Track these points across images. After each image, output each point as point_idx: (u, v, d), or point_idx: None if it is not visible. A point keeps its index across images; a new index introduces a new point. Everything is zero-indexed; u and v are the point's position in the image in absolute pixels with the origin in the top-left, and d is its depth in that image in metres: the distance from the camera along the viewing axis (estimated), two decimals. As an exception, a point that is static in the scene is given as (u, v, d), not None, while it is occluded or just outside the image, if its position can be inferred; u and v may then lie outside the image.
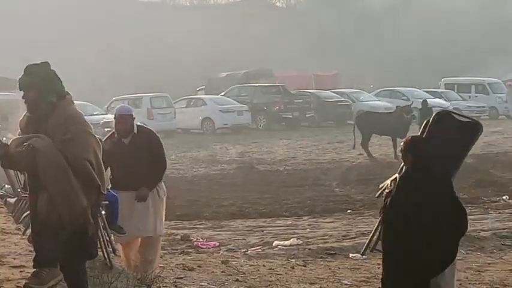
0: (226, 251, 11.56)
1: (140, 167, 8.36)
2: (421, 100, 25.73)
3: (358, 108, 32.05)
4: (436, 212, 6.22)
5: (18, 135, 6.15)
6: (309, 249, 11.15)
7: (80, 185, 5.93)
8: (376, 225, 7.30)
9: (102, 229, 8.48)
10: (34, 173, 5.95)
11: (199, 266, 9.88)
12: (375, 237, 7.32)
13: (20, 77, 6.06)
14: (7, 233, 8.66)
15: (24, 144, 5.90)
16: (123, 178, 8.45)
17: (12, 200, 10.70)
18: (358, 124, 24.28)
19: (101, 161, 6.14)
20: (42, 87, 5.99)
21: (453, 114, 7.06)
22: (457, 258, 6.71)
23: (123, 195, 8.51)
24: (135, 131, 8.62)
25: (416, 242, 6.25)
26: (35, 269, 5.99)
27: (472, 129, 6.99)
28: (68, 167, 5.88)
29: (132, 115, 8.68)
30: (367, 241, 7.62)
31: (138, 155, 8.41)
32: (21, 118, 6.20)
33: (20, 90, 6.07)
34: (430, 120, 7.00)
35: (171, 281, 8.54)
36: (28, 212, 9.04)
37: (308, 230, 12.99)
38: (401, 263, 6.34)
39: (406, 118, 23.76)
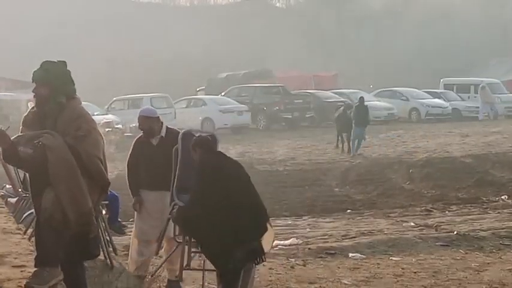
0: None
1: (168, 168, 8.39)
2: (359, 97, 28.22)
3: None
4: (238, 191, 7.02)
5: (21, 132, 6.12)
6: (309, 248, 11.17)
7: (87, 184, 5.96)
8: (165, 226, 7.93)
9: (102, 229, 8.51)
10: (40, 171, 5.93)
11: (199, 266, 9.88)
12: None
13: (34, 70, 6.09)
14: (8, 232, 8.66)
15: (35, 142, 5.89)
16: (151, 178, 8.52)
17: (13, 200, 10.73)
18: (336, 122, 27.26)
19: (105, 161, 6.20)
20: (55, 86, 6.02)
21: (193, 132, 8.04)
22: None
23: (151, 195, 8.58)
24: (163, 133, 8.72)
25: (225, 226, 6.90)
26: (36, 268, 6.00)
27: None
28: (77, 166, 5.90)
29: (152, 117, 8.76)
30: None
31: (166, 156, 8.44)
32: (26, 114, 6.19)
33: (32, 82, 6.09)
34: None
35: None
36: (29, 211, 9.08)
37: (308, 229, 13.01)
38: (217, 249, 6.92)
39: (348, 114, 25.73)
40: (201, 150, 7.32)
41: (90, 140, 5.98)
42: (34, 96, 6.09)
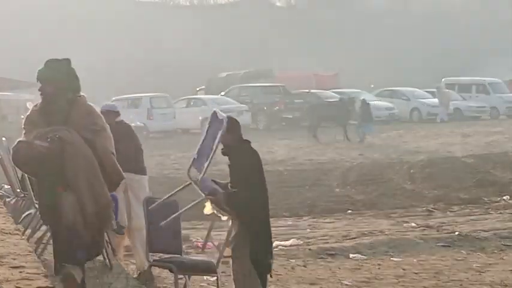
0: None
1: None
2: (361, 99, 30.25)
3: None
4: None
5: (24, 133, 6.08)
6: (309, 249, 11.14)
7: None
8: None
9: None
10: (52, 169, 5.87)
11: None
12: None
13: (39, 68, 6.10)
14: (6, 233, 8.61)
15: (49, 136, 5.88)
16: None
17: (12, 201, 10.68)
18: (308, 115, 30.09)
19: None
20: (61, 83, 6.04)
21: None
22: None
23: None
24: None
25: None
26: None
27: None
28: (95, 159, 5.91)
29: (109, 111, 9.11)
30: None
31: None
32: (29, 113, 6.16)
33: (37, 81, 6.09)
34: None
35: (171, 281, 8.51)
36: (28, 212, 9.03)
37: (308, 230, 12.97)
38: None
39: (348, 109, 28.29)
40: (237, 135, 7.57)
41: (106, 135, 6.07)
42: (41, 94, 6.09)
